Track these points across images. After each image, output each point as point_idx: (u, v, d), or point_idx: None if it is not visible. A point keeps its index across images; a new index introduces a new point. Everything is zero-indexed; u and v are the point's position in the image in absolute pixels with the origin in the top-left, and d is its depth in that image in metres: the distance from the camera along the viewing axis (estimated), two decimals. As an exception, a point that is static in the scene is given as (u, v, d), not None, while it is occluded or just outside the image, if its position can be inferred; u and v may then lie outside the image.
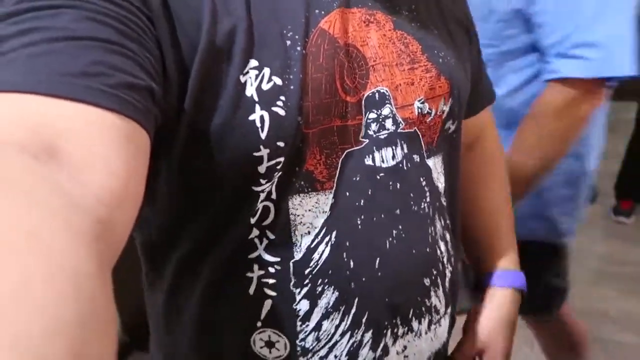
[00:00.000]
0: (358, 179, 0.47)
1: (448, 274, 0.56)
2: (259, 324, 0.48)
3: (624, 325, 1.88)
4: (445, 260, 0.55)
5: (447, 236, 0.56)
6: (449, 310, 0.57)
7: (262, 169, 0.43)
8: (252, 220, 0.45)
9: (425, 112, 0.51)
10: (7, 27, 0.32)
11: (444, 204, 0.56)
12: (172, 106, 0.40)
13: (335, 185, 0.47)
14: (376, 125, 0.48)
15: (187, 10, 0.39)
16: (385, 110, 0.48)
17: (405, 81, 0.49)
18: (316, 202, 0.46)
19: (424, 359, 0.55)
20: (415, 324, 0.53)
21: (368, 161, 0.48)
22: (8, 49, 0.31)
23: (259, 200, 0.45)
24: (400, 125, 0.49)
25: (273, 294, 0.47)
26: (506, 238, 0.70)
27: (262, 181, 0.44)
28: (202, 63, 0.39)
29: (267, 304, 0.47)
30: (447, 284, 0.56)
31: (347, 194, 0.47)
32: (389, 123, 0.48)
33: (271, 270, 0.47)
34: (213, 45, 0.40)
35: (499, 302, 0.66)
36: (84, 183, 0.27)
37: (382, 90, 0.48)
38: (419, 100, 0.50)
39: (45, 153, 0.27)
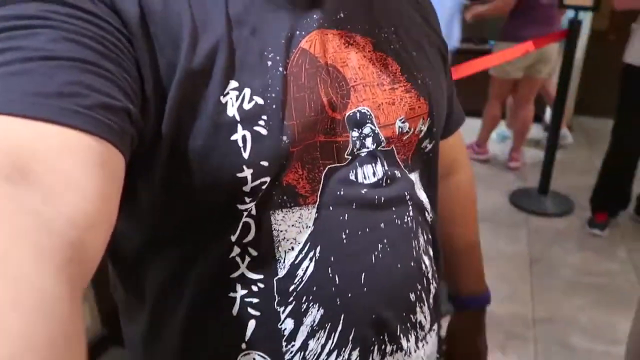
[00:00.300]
0: (342, 193, 0.47)
1: (432, 290, 0.56)
2: (243, 345, 0.47)
3: (594, 334, 1.94)
4: (429, 275, 0.55)
5: (431, 251, 0.56)
6: (434, 327, 0.58)
7: (247, 188, 0.42)
8: (233, 238, 0.44)
9: (405, 130, 0.51)
10: None
11: (428, 219, 0.56)
12: (151, 126, 0.39)
13: (318, 199, 0.46)
14: (358, 143, 0.48)
15: (166, 31, 0.39)
16: (367, 129, 0.48)
17: (387, 101, 0.50)
18: (299, 217, 0.46)
19: None
20: (403, 342, 0.52)
21: (351, 176, 0.48)
22: None
23: (240, 217, 0.44)
24: (382, 143, 0.50)
25: (257, 313, 0.46)
26: (476, 268, 0.77)
27: (247, 199, 0.43)
28: (181, 84, 0.39)
29: (251, 324, 0.46)
30: (431, 300, 0.56)
31: (331, 208, 0.47)
32: (369, 141, 0.48)
33: (254, 288, 0.46)
34: (192, 67, 0.40)
35: (475, 322, 0.78)
36: (56, 206, 0.27)
37: (363, 110, 0.48)
38: (399, 120, 0.50)
39: (17, 175, 0.27)
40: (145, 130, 0.39)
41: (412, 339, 0.53)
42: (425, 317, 0.55)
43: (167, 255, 0.47)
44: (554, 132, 2.75)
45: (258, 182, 0.42)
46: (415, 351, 0.53)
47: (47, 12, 0.33)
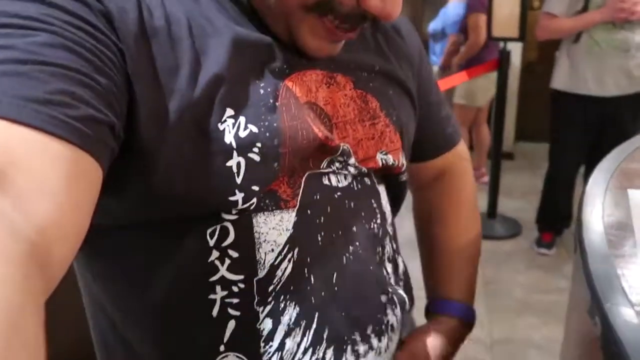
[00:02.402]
0: (318, 197, 0.49)
1: (399, 296, 0.57)
2: (222, 347, 0.47)
3: (548, 351, 1.97)
4: (393, 282, 0.57)
5: (399, 259, 0.59)
6: (400, 331, 0.58)
7: (235, 209, 0.44)
8: (211, 243, 0.45)
9: (390, 163, 0.55)
10: None
11: (389, 230, 0.58)
12: (139, 141, 0.40)
13: (298, 203, 0.48)
14: (340, 165, 0.51)
15: (166, 55, 0.40)
16: (350, 161, 0.51)
17: (367, 136, 0.52)
18: (280, 220, 0.47)
19: None
20: (375, 342, 0.53)
21: (325, 181, 0.50)
22: None
23: (219, 222, 0.45)
24: (363, 170, 0.53)
25: (237, 313, 0.46)
26: (462, 275, 0.71)
27: (234, 212, 0.44)
28: (182, 110, 0.40)
29: (231, 325, 0.47)
30: (399, 305, 0.57)
31: (309, 212, 0.48)
32: (351, 170, 0.52)
33: (234, 289, 0.46)
34: (194, 94, 0.41)
35: (446, 328, 0.66)
36: (27, 213, 0.27)
37: (344, 147, 0.50)
38: (380, 152, 0.54)
39: None
40: (131, 144, 0.39)
41: (385, 340, 0.54)
42: (397, 319, 0.56)
43: (140, 251, 0.46)
44: (496, 158, 2.86)
45: (247, 204, 0.44)
46: (385, 351, 0.55)
47: (48, 17, 0.33)
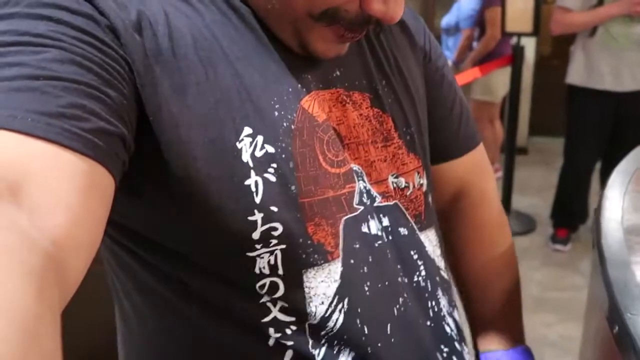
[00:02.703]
0: (358, 246, 0.48)
1: (465, 356, 0.55)
2: None
3: (564, 349, 1.95)
4: (456, 338, 0.54)
5: (456, 314, 0.56)
6: None
7: (256, 234, 0.43)
8: (262, 292, 0.45)
9: (403, 186, 0.53)
10: None
11: (445, 278, 0.55)
12: (151, 158, 0.40)
13: (341, 253, 0.47)
14: (366, 195, 0.49)
15: (173, 72, 0.40)
16: (361, 185, 0.50)
17: (379, 158, 0.51)
18: (328, 273, 0.46)
19: None
20: None
21: (364, 229, 0.49)
22: None
23: (259, 271, 0.44)
24: (377, 199, 0.50)
25: (290, 343, 0.46)
26: (504, 312, 0.64)
27: (257, 246, 0.44)
28: (194, 127, 0.40)
29: (289, 354, 0.46)
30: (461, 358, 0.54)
31: (352, 261, 0.48)
32: (365, 197, 0.50)
33: (287, 331, 0.46)
34: (205, 112, 0.41)
35: None
36: (42, 226, 0.27)
37: (354, 168, 0.49)
38: (392, 175, 0.52)
39: (7, 191, 0.27)
40: (142, 153, 0.40)
41: None
42: None
43: (189, 303, 0.46)
44: (510, 153, 2.83)
45: (267, 226, 0.43)
46: None
47: (57, 33, 0.34)
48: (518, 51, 2.62)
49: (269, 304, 0.45)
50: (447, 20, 3.46)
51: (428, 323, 0.52)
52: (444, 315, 0.54)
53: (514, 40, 2.70)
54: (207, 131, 0.41)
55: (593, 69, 2.28)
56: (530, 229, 2.85)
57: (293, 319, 0.46)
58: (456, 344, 0.55)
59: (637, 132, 2.26)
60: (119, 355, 0.56)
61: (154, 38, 0.40)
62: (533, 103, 4.10)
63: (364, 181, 0.50)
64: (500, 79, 3.13)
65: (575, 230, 2.69)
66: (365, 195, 0.49)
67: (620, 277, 0.42)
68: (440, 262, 0.56)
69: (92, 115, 0.33)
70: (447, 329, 0.54)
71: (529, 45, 3.49)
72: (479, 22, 3.15)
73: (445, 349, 0.53)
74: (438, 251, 0.56)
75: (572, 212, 2.64)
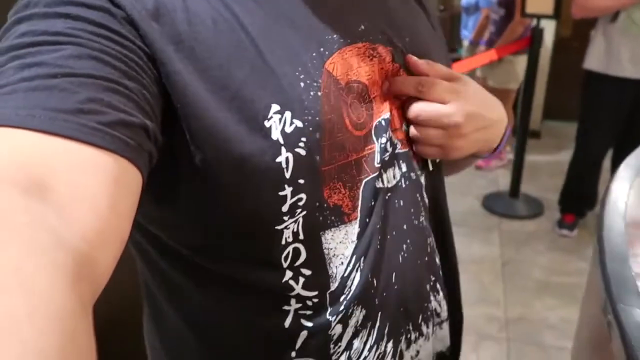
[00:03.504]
0: (373, 203, 0.50)
1: (442, 282, 0.60)
2: (292, 354, 0.49)
3: (564, 332, 1.99)
4: (439, 264, 0.59)
5: (441, 247, 0.60)
6: (449, 316, 0.61)
7: (285, 207, 0.44)
8: (285, 264, 0.46)
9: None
10: (7, 60, 0.33)
11: (436, 218, 0.59)
12: (179, 142, 0.40)
13: (359, 215, 0.49)
14: (383, 151, 0.50)
15: (193, 55, 0.40)
16: (387, 135, 0.51)
17: (397, 106, 0.53)
18: (345, 234, 0.48)
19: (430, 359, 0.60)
20: (424, 328, 0.57)
21: (379, 184, 0.50)
22: (6, 82, 0.31)
23: (285, 241, 0.45)
24: (397, 146, 0.52)
25: (309, 324, 0.48)
26: None
27: (285, 218, 0.45)
28: (227, 111, 0.40)
29: (303, 334, 0.49)
30: (444, 290, 0.60)
31: (368, 220, 0.49)
32: (388, 145, 0.51)
33: (309, 303, 0.48)
34: (235, 95, 0.41)
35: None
36: (70, 222, 0.28)
37: (385, 117, 0.50)
38: (405, 123, 0.53)
39: (35, 190, 0.27)
40: (173, 145, 0.40)
41: (430, 325, 0.58)
42: (440, 305, 0.59)
43: (216, 280, 0.48)
44: (522, 136, 2.82)
45: (295, 198, 0.44)
46: (432, 335, 0.59)
47: (74, 29, 0.35)
48: (537, 34, 2.59)
49: (291, 282, 0.47)
50: (467, -1, 3.40)
51: (426, 259, 0.56)
52: (434, 247, 0.58)
53: (533, 22, 2.66)
54: (235, 113, 0.41)
55: (612, 55, 2.25)
56: (538, 213, 2.86)
57: (315, 292, 0.48)
58: (440, 272, 0.59)
59: (653, 121, 2.25)
60: (145, 330, 0.58)
61: (173, 25, 0.40)
62: (549, 86, 4.06)
63: (389, 129, 0.51)
64: (523, 65, 3.06)
65: (583, 217, 2.70)
66: (383, 150, 0.50)
67: (618, 270, 0.44)
68: (427, 203, 0.58)
69: (110, 108, 0.33)
70: (437, 260, 0.58)
71: (548, 28, 3.42)
72: (505, 2, 3.06)
73: (433, 278, 0.58)
74: (426, 194, 0.58)
75: (581, 198, 2.64)
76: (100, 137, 0.31)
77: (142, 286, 0.56)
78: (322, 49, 0.46)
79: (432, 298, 0.58)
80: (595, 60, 2.32)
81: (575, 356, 0.69)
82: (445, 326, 0.61)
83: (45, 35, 0.34)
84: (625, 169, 0.67)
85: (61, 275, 0.25)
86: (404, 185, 0.53)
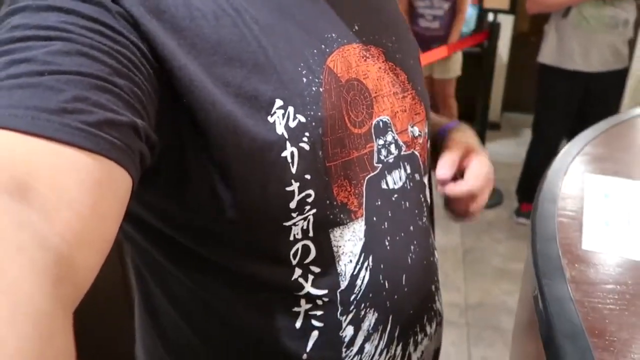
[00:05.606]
0: (379, 203, 0.50)
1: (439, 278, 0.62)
2: (304, 356, 0.49)
3: (520, 316, 2.07)
4: (439, 266, 0.61)
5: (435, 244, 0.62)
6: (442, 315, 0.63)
7: (293, 204, 0.44)
8: (294, 262, 0.46)
9: (417, 134, 0.56)
10: None
11: (433, 218, 0.62)
12: (179, 139, 0.40)
13: (364, 212, 0.49)
14: (385, 150, 0.51)
15: (194, 47, 0.39)
16: (389, 137, 0.51)
17: (401, 108, 0.53)
18: (353, 231, 0.48)
19: (430, 358, 0.61)
20: (428, 329, 0.58)
21: (383, 185, 0.51)
22: None
23: (293, 238, 0.45)
24: (402, 148, 0.53)
25: (320, 324, 0.49)
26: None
27: (293, 215, 0.44)
28: (232, 105, 0.40)
29: (314, 335, 0.49)
30: (440, 287, 0.61)
31: (374, 218, 0.50)
32: (392, 148, 0.52)
33: (319, 302, 0.48)
34: (239, 91, 0.40)
35: (459, 131, 0.68)
36: (52, 223, 0.27)
37: (384, 119, 0.51)
38: (410, 125, 0.54)
39: (16, 190, 0.27)
40: (181, 140, 0.40)
41: (433, 325, 0.59)
42: (440, 304, 0.61)
43: (222, 280, 0.48)
44: (482, 128, 2.90)
45: (303, 194, 0.44)
46: (434, 335, 0.60)
47: (66, 24, 0.33)
48: (494, 28, 2.66)
49: (300, 280, 0.47)
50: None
51: (432, 259, 0.58)
52: (434, 246, 0.60)
53: (490, 17, 2.73)
54: (240, 107, 0.41)
55: (564, 49, 2.34)
56: (497, 203, 2.95)
57: (325, 291, 0.48)
58: (439, 272, 0.61)
59: (604, 112, 2.34)
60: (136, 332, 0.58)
61: (175, 20, 0.39)
62: (508, 79, 4.17)
63: (392, 131, 0.52)
64: (457, 58, 3.10)
65: (540, 205, 2.80)
66: (384, 151, 0.51)
67: (545, 250, 0.48)
68: (429, 202, 0.61)
69: (97, 107, 0.32)
70: (436, 260, 0.60)
71: (506, 23, 3.52)
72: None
73: (435, 278, 0.59)
74: (428, 193, 0.61)
75: (537, 187, 2.72)
76: (84, 137, 0.30)
77: (139, 288, 0.55)
78: (323, 46, 0.46)
79: (436, 298, 0.59)
80: (548, 54, 2.41)
81: (515, 335, 0.74)
82: (442, 324, 0.63)
83: (37, 29, 0.33)
84: (562, 156, 0.71)
85: (41, 276, 0.24)
86: (409, 187, 0.54)
